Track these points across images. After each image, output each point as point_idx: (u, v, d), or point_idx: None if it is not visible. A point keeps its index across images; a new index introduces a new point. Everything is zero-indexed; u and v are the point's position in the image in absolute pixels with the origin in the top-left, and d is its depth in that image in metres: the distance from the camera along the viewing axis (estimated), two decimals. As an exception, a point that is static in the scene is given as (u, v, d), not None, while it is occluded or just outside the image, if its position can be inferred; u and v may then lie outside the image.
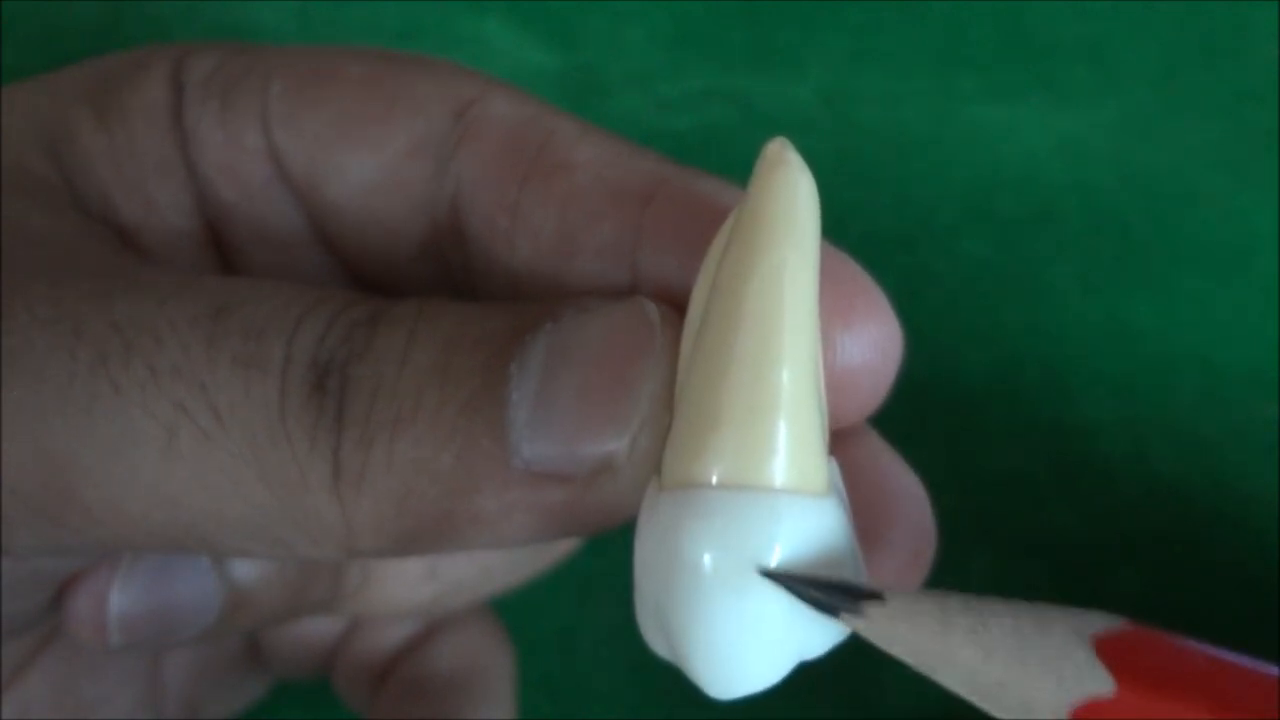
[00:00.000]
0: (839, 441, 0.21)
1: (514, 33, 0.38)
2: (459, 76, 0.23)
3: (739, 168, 0.19)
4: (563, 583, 0.30)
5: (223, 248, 0.25)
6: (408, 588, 0.27)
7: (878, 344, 0.21)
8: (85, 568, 0.23)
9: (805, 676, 0.19)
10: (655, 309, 0.20)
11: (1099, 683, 0.16)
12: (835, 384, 0.20)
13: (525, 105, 0.23)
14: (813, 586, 0.18)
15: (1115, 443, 0.34)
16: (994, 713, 0.17)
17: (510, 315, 0.20)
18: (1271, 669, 0.16)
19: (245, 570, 0.24)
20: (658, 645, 0.19)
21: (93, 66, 0.25)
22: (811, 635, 0.18)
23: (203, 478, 0.19)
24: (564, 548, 0.29)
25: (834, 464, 0.19)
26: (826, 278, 0.19)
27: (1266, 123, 0.37)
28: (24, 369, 0.20)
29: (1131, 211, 0.36)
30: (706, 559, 0.17)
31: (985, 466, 0.34)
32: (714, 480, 0.18)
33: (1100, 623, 0.17)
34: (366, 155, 0.23)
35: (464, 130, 0.22)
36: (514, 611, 0.31)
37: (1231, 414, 0.34)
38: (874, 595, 0.17)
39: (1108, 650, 0.16)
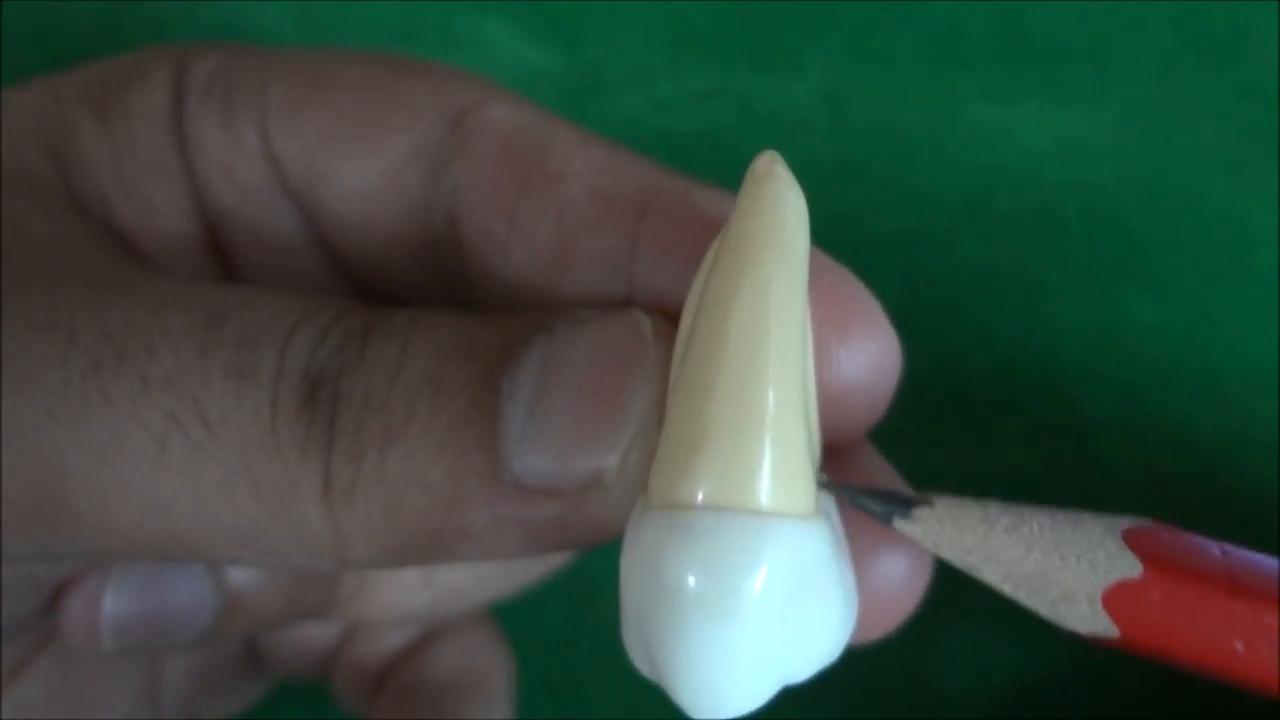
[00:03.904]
0: (836, 457, 0.21)
1: (514, 33, 0.38)
2: (458, 82, 0.23)
3: (738, 168, 0.19)
4: (562, 585, 0.30)
5: (221, 251, 0.25)
6: (404, 594, 0.27)
7: (874, 360, 0.20)
8: (80, 572, 0.23)
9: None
10: (648, 322, 0.20)
11: (1129, 568, 0.18)
12: (831, 400, 0.20)
13: (523, 112, 0.23)
14: (865, 495, 0.19)
15: (1115, 443, 0.34)
16: (1033, 605, 0.19)
17: (503, 327, 0.20)
18: (1274, 561, 0.18)
19: (240, 576, 0.24)
20: (641, 664, 0.19)
21: (94, 69, 0.25)
22: (795, 659, 0.18)
23: (194, 488, 0.19)
24: (561, 556, 0.29)
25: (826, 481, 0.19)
26: (823, 291, 0.19)
27: (1266, 123, 0.37)
28: (18, 376, 0.20)
29: (1131, 211, 0.36)
30: (690, 581, 0.17)
31: (985, 466, 0.34)
32: (699, 501, 0.18)
33: (1128, 520, 0.19)
34: (363, 161, 0.23)
35: (461, 137, 0.22)
36: (514, 614, 0.31)
37: (1231, 414, 0.34)
38: (923, 502, 0.19)
39: (1135, 541, 0.18)
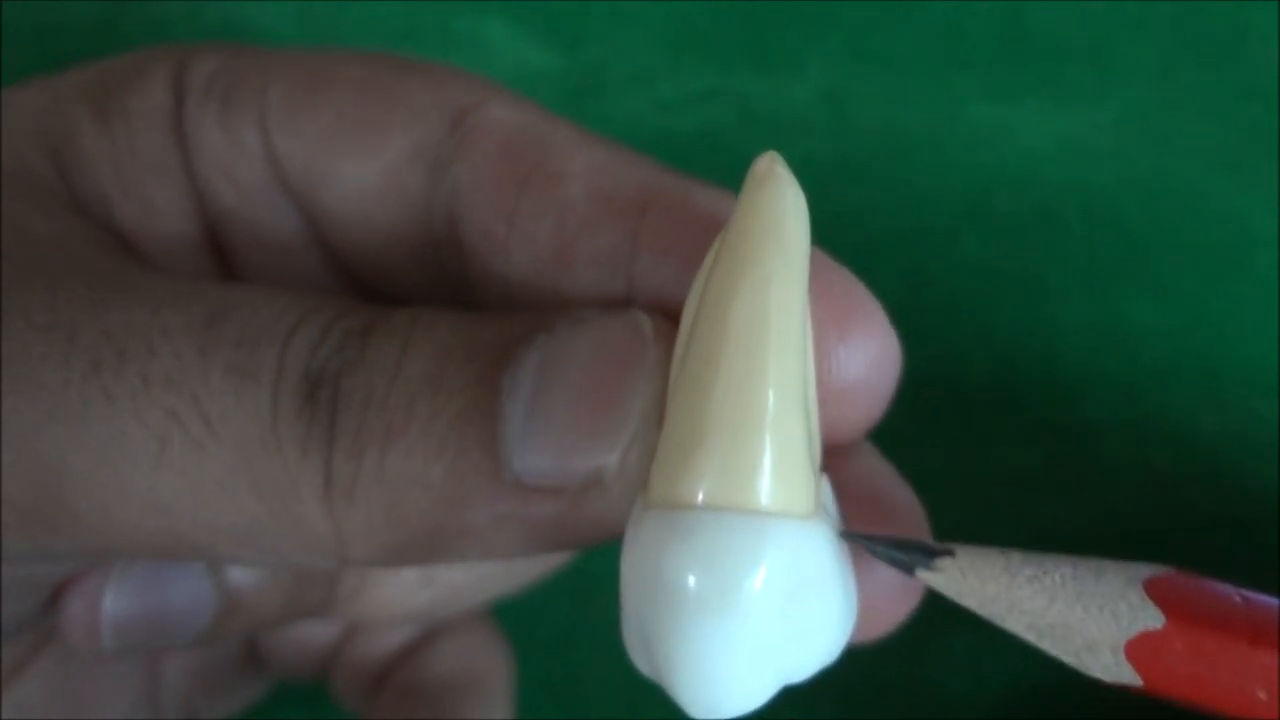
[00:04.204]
0: (835, 456, 0.21)
1: (514, 33, 0.38)
2: (458, 82, 0.23)
3: (738, 168, 0.19)
4: (562, 585, 0.30)
5: (222, 251, 0.25)
6: (404, 593, 0.27)
7: (874, 359, 0.20)
8: (80, 571, 0.23)
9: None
10: (649, 321, 0.20)
11: (1151, 619, 0.18)
12: (831, 400, 0.20)
13: (523, 112, 0.23)
14: (887, 545, 0.19)
15: (1115, 443, 0.34)
16: (1057, 654, 0.19)
17: (504, 326, 0.20)
18: None
19: (240, 575, 0.24)
20: (641, 663, 0.19)
21: (95, 68, 0.25)
22: (795, 658, 0.18)
23: (195, 486, 0.19)
24: (561, 555, 0.29)
25: (827, 481, 0.19)
26: (823, 291, 0.19)
27: (1266, 123, 0.37)
28: (18, 376, 0.20)
29: (1131, 211, 0.36)
30: (690, 580, 0.17)
31: (985, 466, 0.34)
32: (699, 500, 0.18)
33: (1149, 569, 0.19)
34: (363, 161, 0.23)
35: (462, 137, 0.22)
36: (514, 613, 0.31)
37: (1231, 414, 0.34)
38: (945, 551, 0.19)
39: (1157, 591, 0.18)
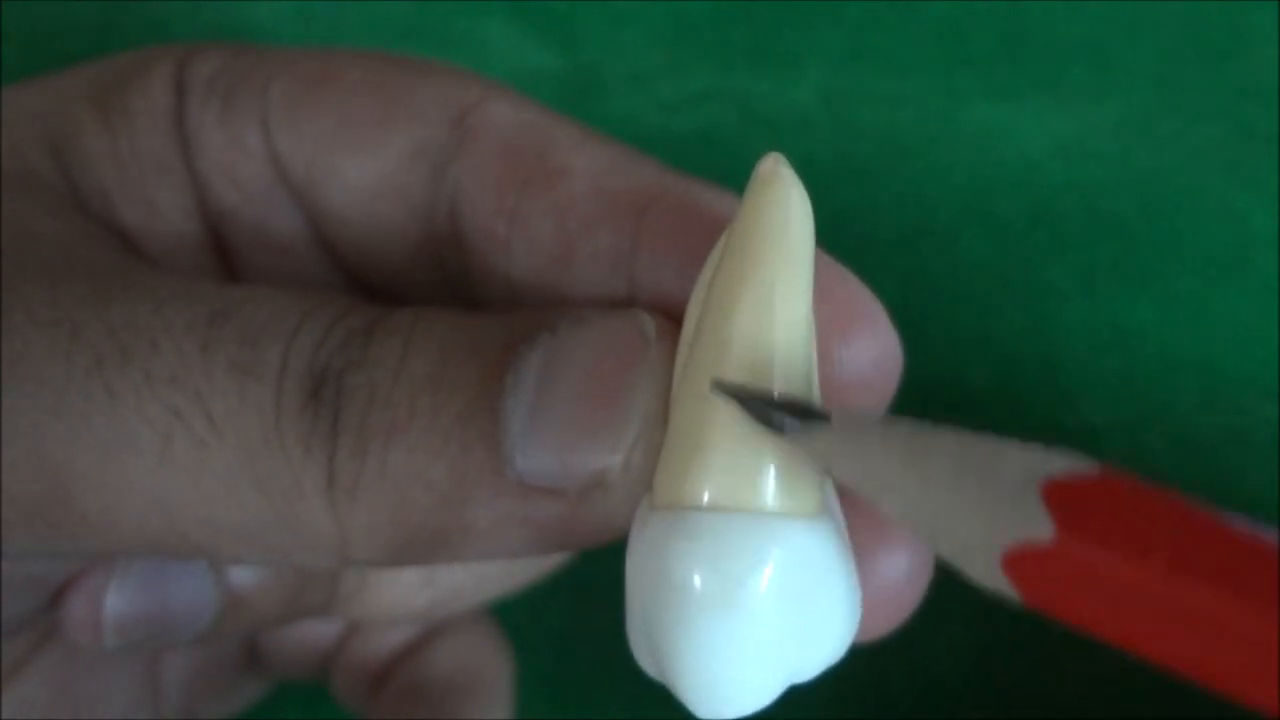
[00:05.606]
0: None
1: (514, 33, 0.38)
2: (459, 81, 0.23)
3: (738, 168, 0.19)
4: (561, 585, 0.30)
5: (223, 250, 0.25)
6: (404, 593, 0.27)
7: (876, 359, 0.20)
8: (82, 569, 0.23)
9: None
10: (650, 322, 0.20)
11: (1037, 527, 0.14)
12: (833, 400, 0.20)
13: (525, 111, 0.23)
14: (762, 403, 0.17)
15: (1115, 443, 0.34)
16: (934, 547, 0.16)
17: (506, 325, 0.20)
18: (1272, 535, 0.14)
19: (242, 574, 0.24)
20: (646, 664, 0.19)
21: (96, 68, 0.25)
22: (801, 657, 0.18)
23: (198, 484, 0.19)
24: (561, 555, 0.29)
25: (829, 481, 0.19)
26: (825, 291, 0.19)
27: (1266, 123, 0.37)
28: (21, 373, 0.20)
29: (1131, 211, 0.36)
30: (696, 580, 0.17)
31: (985, 466, 0.34)
32: (704, 501, 0.18)
33: (1060, 463, 0.15)
34: (365, 160, 0.23)
35: (463, 136, 0.22)
36: (513, 613, 0.31)
37: (1231, 414, 0.34)
38: (821, 416, 0.17)
39: (1059, 494, 0.14)
